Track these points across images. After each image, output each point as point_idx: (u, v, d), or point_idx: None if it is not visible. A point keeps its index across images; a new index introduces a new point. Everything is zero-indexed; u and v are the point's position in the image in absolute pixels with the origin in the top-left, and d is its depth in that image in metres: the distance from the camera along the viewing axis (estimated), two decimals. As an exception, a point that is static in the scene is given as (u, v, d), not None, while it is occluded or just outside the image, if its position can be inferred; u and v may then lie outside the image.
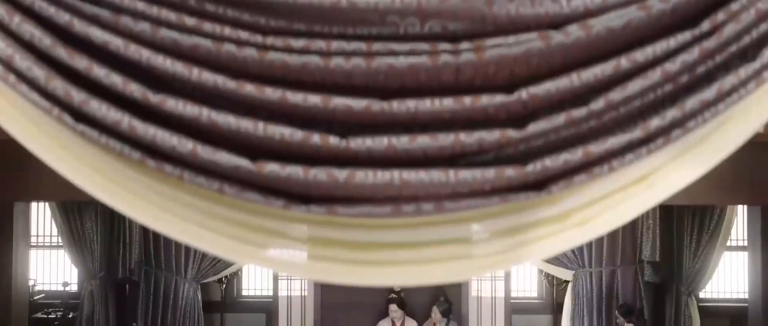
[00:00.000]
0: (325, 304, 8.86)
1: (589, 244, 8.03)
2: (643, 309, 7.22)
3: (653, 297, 8.14)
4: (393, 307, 7.77)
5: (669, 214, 7.88)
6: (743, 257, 8.26)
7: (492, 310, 8.94)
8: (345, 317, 8.71)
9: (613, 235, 8.02)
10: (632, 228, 8.02)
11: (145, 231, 7.92)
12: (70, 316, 8.48)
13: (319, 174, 1.34)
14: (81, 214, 7.75)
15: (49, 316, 8.69)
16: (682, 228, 7.67)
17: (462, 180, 1.35)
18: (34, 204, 9.25)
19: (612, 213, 1.44)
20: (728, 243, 8.06)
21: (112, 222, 7.94)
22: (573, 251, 8.07)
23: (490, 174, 1.34)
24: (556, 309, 9.32)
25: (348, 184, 1.34)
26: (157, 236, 7.95)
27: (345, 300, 8.77)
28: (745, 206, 5.94)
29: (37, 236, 9.80)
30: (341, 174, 1.34)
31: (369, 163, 1.35)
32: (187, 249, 7.95)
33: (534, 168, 1.35)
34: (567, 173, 1.37)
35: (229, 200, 1.41)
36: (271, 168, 1.34)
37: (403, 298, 7.89)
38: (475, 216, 1.42)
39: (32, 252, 8.60)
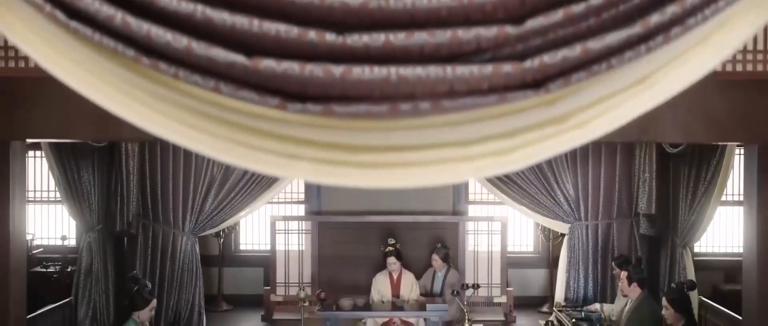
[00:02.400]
0: (322, 258, 8.91)
1: (586, 197, 8.05)
2: (641, 259, 7.26)
3: (648, 250, 8.19)
4: (391, 260, 7.80)
5: (665, 166, 7.89)
6: (739, 212, 8.30)
7: (488, 264, 9.00)
8: (342, 271, 8.76)
9: (609, 188, 8.04)
10: (628, 181, 8.04)
11: (142, 183, 7.91)
12: (69, 269, 8.53)
13: (315, 69, 1.32)
14: (78, 167, 7.74)
15: (48, 269, 8.75)
16: (678, 180, 7.69)
17: (460, 76, 1.33)
18: (30, 160, 9.24)
19: (612, 114, 1.43)
20: (724, 198, 8.09)
21: (110, 174, 7.93)
22: (569, 204, 8.10)
23: (488, 70, 1.33)
24: (552, 264, 9.39)
25: (344, 80, 1.33)
26: (154, 188, 7.94)
27: (342, 254, 8.82)
28: (742, 156, 5.94)
29: (35, 191, 9.82)
30: (337, 69, 1.32)
31: (366, 59, 1.33)
32: (185, 202, 7.95)
33: (532, 64, 1.34)
34: (566, 71, 1.36)
35: (225, 101, 1.40)
36: (267, 63, 1.33)
37: (400, 250, 7.93)
38: (473, 118, 1.41)
39: (30, 207, 8.61)
